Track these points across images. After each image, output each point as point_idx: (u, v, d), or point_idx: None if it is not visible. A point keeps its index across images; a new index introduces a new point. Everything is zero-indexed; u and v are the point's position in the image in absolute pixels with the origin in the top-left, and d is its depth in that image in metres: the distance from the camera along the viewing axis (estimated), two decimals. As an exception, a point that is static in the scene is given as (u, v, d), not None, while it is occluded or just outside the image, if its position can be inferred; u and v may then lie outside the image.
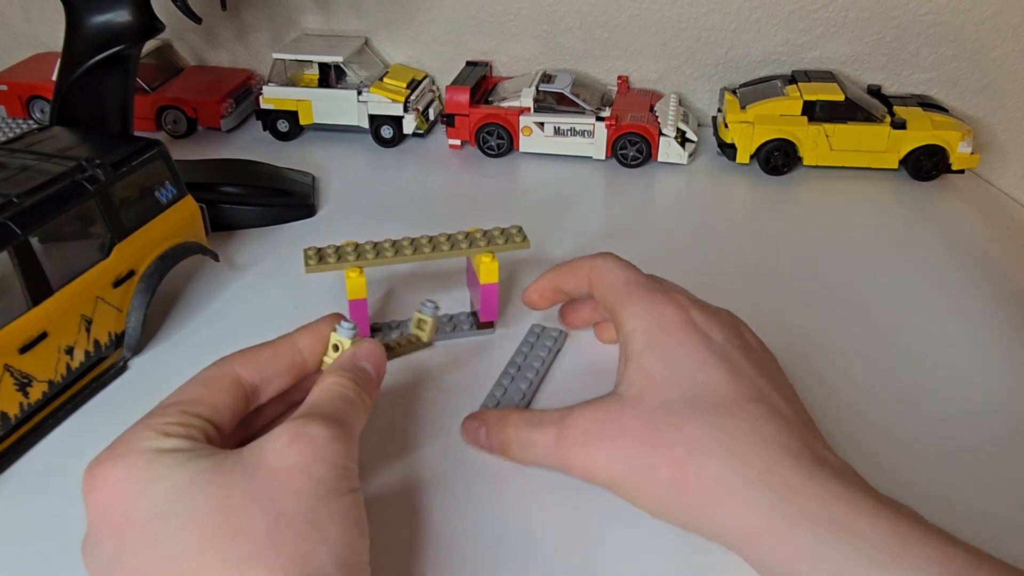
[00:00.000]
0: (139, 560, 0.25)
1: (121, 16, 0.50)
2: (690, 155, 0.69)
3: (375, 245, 0.44)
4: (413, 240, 0.44)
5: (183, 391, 0.31)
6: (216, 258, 0.51)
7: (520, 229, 0.46)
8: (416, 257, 0.44)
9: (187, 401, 0.30)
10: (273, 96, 0.71)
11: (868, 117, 0.65)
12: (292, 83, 0.72)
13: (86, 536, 0.28)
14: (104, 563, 0.26)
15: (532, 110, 0.68)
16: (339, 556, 0.26)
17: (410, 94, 0.71)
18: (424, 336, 0.39)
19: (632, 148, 0.68)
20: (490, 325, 0.47)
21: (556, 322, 0.47)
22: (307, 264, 0.43)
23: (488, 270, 0.44)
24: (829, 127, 0.65)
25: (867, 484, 0.29)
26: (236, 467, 0.27)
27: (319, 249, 0.44)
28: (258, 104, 0.72)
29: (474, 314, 0.48)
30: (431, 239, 0.44)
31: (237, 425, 0.32)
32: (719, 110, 0.72)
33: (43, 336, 0.39)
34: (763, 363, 0.34)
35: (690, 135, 0.68)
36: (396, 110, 0.71)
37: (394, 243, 0.44)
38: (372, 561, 0.29)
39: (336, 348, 0.34)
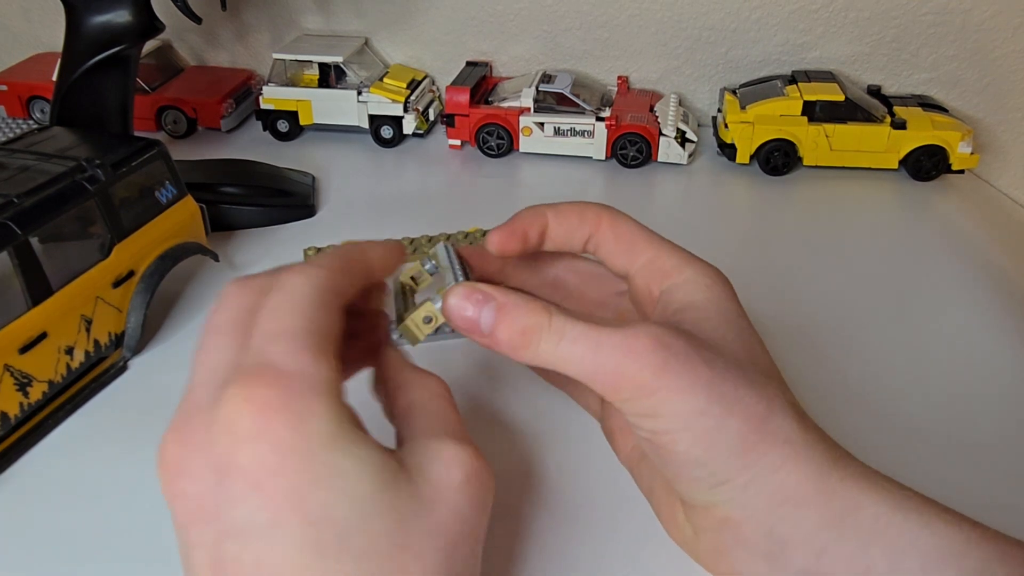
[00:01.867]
0: (292, 556, 0.22)
1: (121, 16, 0.50)
2: (690, 155, 0.69)
3: None
4: (413, 240, 0.44)
5: (320, 318, 0.26)
6: (216, 258, 0.51)
7: None
8: (416, 257, 0.44)
9: (333, 338, 0.26)
10: (273, 96, 0.71)
11: (868, 117, 0.65)
12: (292, 83, 0.72)
13: (209, 476, 0.23)
14: (237, 522, 0.23)
15: (532, 110, 0.68)
16: None
17: (410, 94, 0.71)
18: (420, 335, 0.31)
19: (632, 148, 0.68)
20: None
21: None
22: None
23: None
24: (829, 127, 0.65)
25: None
26: (412, 496, 0.24)
27: (319, 249, 0.44)
28: (258, 104, 0.72)
29: None
30: (431, 239, 0.44)
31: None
32: (719, 110, 0.72)
33: (43, 336, 0.39)
34: None
35: (690, 135, 0.68)
36: (396, 110, 0.71)
37: None
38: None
39: (428, 320, 0.30)
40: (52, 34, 0.83)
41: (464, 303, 0.29)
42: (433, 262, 0.34)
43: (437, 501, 0.24)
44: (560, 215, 0.33)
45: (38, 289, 0.39)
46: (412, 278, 0.35)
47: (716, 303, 0.30)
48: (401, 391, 0.29)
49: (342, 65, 0.70)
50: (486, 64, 0.76)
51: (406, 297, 0.34)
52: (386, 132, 0.72)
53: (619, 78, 0.75)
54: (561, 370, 0.28)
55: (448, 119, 0.70)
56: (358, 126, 0.72)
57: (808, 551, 0.27)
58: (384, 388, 0.30)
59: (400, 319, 0.31)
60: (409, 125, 0.71)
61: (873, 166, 0.67)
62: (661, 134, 0.67)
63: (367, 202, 0.64)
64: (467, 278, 0.31)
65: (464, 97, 0.69)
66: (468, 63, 0.76)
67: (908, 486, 0.28)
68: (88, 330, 0.42)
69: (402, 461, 0.25)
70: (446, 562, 0.24)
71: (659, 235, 0.33)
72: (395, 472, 0.24)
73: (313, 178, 0.65)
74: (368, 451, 0.24)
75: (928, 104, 0.68)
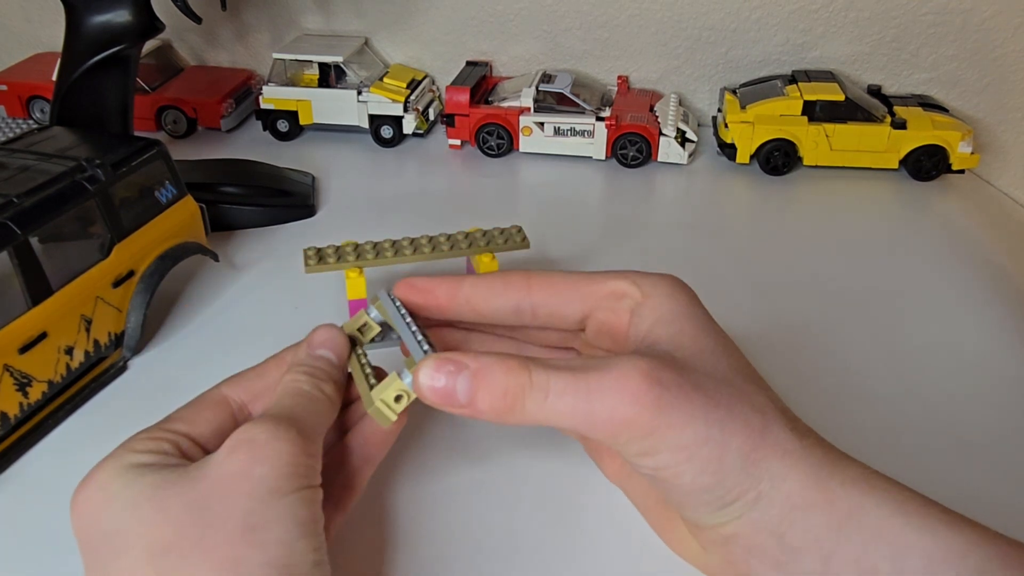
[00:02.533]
0: (89, 567, 0.27)
1: (121, 16, 0.50)
2: (690, 155, 0.69)
3: (375, 245, 0.44)
4: (413, 240, 0.44)
5: (168, 415, 0.31)
6: (216, 258, 0.51)
7: (520, 229, 0.46)
8: (416, 257, 0.44)
9: (166, 419, 0.31)
10: (273, 96, 0.71)
11: (868, 117, 0.65)
12: (292, 83, 0.72)
13: None
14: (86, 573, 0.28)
15: (532, 110, 0.68)
16: (274, 558, 0.26)
17: (410, 94, 0.71)
18: (392, 416, 0.30)
19: (632, 148, 0.68)
20: None
21: None
22: (307, 264, 0.43)
23: (488, 270, 0.44)
24: (829, 127, 0.65)
25: None
26: (179, 481, 0.27)
27: (319, 249, 0.44)
28: (258, 104, 0.72)
29: None
30: (431, 239, 0.44)
31: None
32: (719, 110, 0.72)
33: (43, 336, 0.39)
34: None
35: (690, 135, 0.68)
36: (396, 110, 0.71)
37: (394, 243, 0.44)
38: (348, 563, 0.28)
39: (399, 398, 0.29)
40: (52, 34, 0.83)
41: (436, 375, 0.28)
42: (377, 311, 0.33)
43: (201, 478, 0.27)
44: (479, 279, 0.32)
45: (38, 289, 0.39)
46: (359, 329, 0.34)
47: (684, 311, 0.30)
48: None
49: (342, 65, 0.70)
50: (486, 64, 0.76)
51: (358, 354, 0.33)
52: (386, 132, 0.72)
53: (619, 78, 0.75)
54: (553, 425, 0.28)
55: (448, 119, 0.70)
56: (358, 126, 0.72)
57: (817, 555, 0.27)
58: None
59: (366, 392, 0.30)
60: (409, 125, 0.71)
61: (873, 166, 0.67)
62: (661, 134, 0.67)
63: (367, 202, 0.64)
64: (418, 327, 0.31)
65: (464, 97, 0.69)
66: (468, 63, 0.76)
67: (908, 487, 0.28)
68: (88, 330, 0.42)
69: (196, 466, 0.28)
70: (203, 520, 0.26)
71: (592, 272, 0.32)
72: (166, 478, 0.27)
73: (313, 178, 0.65)
74: (144, 472, 0.27)
75: (928, 104, 0.68)
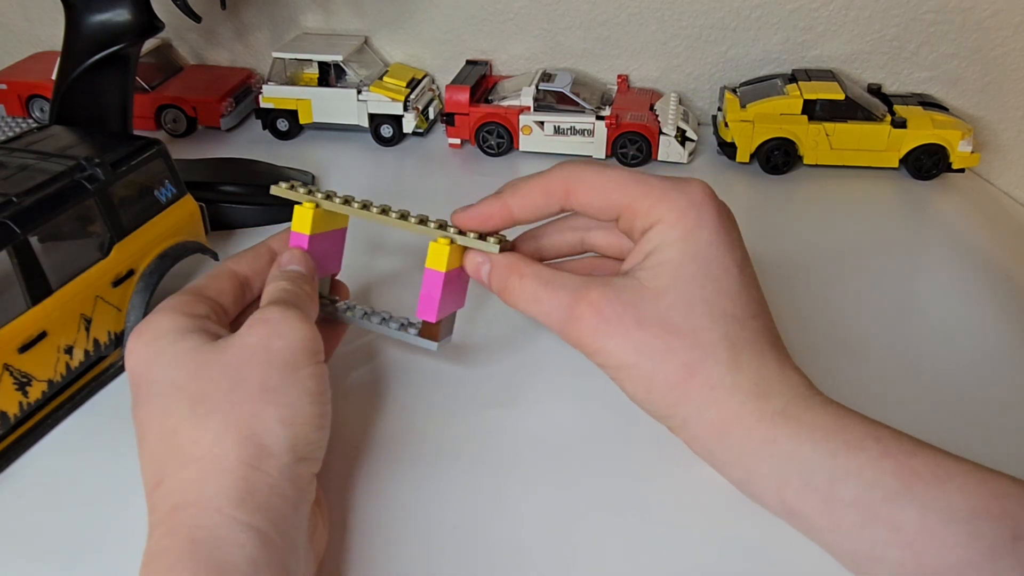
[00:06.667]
0: (144, 411, 0.33)
1: (120, 15, 0.50)
2: (690, 154, 0.69)
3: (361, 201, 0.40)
4: (385, 207, 0.40)
5: (194, 284, 0.37)
6: (216, 257, 0.51)
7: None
8: (380, 219, 0.39)
9: (197, 287, 0.37)
10: (273, 95, 0.71)
11: (868, 116, 0.65)
12: (292, 82, 0.72)
13: None
14: (133, 403, 0.34)
15: (532, 109, 0.68)
16: (286, 416, 0.31)
17: (410, 93, 0.71)
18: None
19: (632, 147, 0.68)
20: (434, 335, 0.39)
21: None
22: (278, 187, 0.39)
23: (439, 255, 0.38)
24: (829, 126, 0.65)
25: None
26: (213, 348, 0.33)
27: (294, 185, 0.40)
28: (258, 103, 0.72)
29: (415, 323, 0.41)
30: (403, 212, 0.40)
31: (240, 317, 0.38)
32: (719, 109, 0.72)
33: (42, 335, 0.39)
34: (755, 277, 0.36)
35: (690, 134, 0.68)
36: (396, 109, 0.71)
37: (370, 204, 0.40)
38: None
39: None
40: (51, 33, 0.83)
41: (477, 258, 0.37)
42: None
43: (228, 346, 0.33)
44: (522, 196, 0.38)
45: (38, 288, 0.39)
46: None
47: (680, 245, 0.34)
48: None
49: (342, 64, 0.70)
50: (486, 63, 0.76)
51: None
52: (386, 131, 0.72)
53: (619, 77, 0.75)
54: (531, 317, 0.36)
55: (448, 118, 0.70)
56: (358, 125, 0.72)
57: (738, 469, 0.33)
58: None
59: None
60: (409, 124, 0.71)
61: (873, 165, 0.67)
62: (661, 133, 0.67)
63: (367, 201, 0.63)
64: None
65: (464, 96, 0.69)
66: (468, 62, 0.76)
67: (835, 412, 0.32)
68: (88, 329, 0.42)
69: (227, 338, 0.33)
70: (231, 379, 0.32)
71: (631, 175, 0.35)
72: (204, 342, 0.33)
73: (313, 177, 0.65)
74: (187, 334, 0.33)
75: (928, 103, 0.68)
